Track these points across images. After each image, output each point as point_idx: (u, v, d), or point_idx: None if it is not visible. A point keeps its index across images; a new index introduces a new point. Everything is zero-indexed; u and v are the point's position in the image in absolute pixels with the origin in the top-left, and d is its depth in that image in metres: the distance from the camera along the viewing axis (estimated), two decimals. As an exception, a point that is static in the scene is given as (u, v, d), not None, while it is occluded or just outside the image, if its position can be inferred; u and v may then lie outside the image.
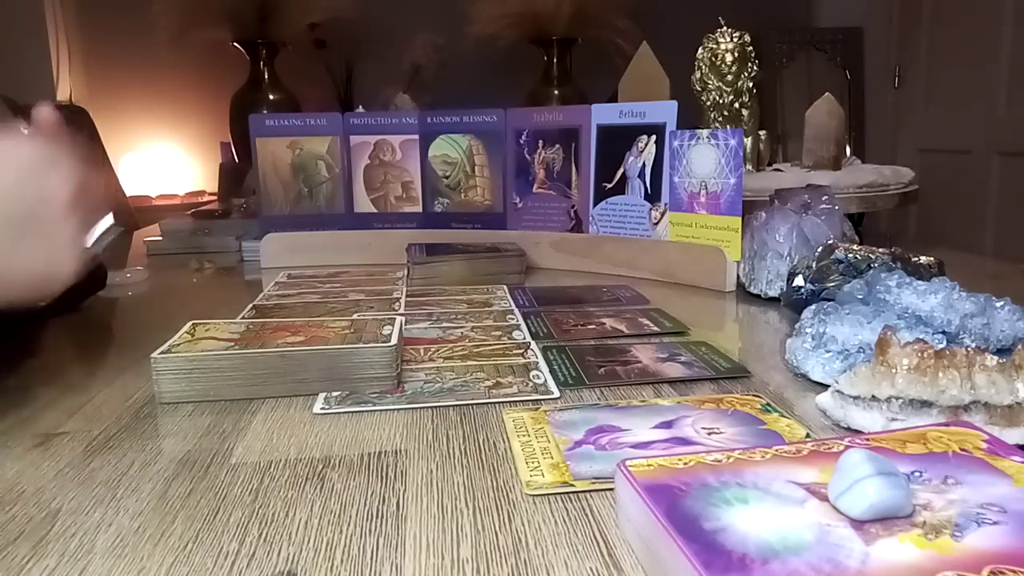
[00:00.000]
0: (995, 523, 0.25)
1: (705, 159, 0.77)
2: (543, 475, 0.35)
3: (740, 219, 0.75)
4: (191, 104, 2.77)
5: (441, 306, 0.69)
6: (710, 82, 0.98)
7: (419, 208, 0.97)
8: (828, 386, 0.43)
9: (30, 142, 0.46)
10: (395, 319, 0.53)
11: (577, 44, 2.36)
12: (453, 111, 0.95)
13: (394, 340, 0.49)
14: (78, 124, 1.75)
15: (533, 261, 0.89)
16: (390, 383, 0.48)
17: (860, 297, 0.51)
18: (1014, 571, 0.23)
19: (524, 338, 0.58)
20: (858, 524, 0.25)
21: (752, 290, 0.73)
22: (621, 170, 0.85)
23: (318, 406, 0.45)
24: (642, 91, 1.03)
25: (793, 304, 0.62)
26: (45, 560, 0.30)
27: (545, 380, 0.49)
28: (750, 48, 0.97)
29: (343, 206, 0.97)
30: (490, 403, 0.45)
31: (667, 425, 0.41)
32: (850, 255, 0.61)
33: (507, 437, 0.40)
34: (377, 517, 0.33)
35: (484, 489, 0.35)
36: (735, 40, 0.96)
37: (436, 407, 0.45)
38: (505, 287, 0.77)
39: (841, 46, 2.78)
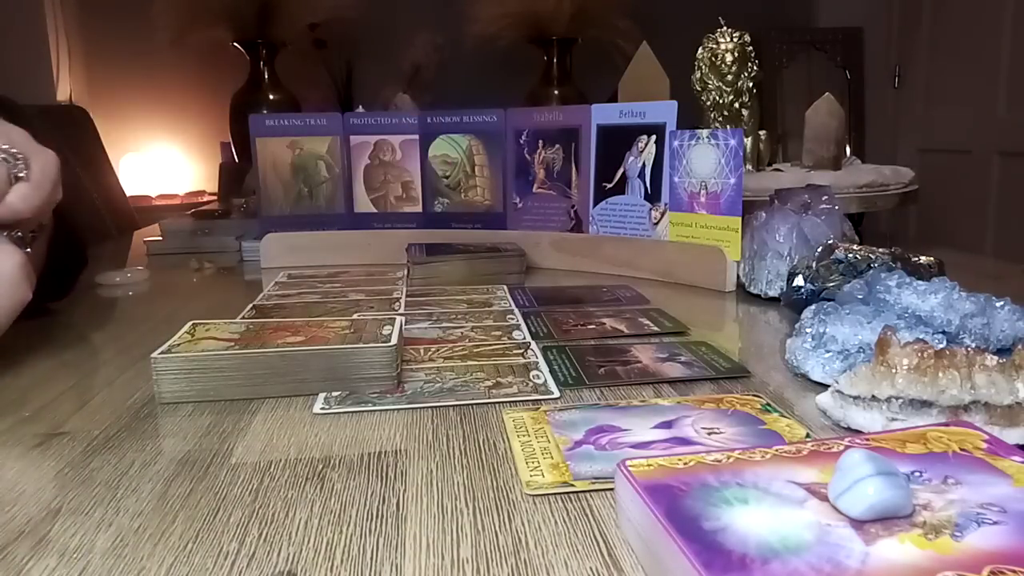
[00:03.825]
0: (995, 523, 0.25)
1: (705, 159, 0.77)
2: (543, 475, 0.35)
3: (740, 219, 0.75)
4: (191, 104, 2.77)
5: (441, 306, 0.69)
6: (710, 82, 0.98)
7: (419, 208, 0.97)
8: (828, 386, 0.43)
9: None
10: (395, 319, 0.53)
11: (577, 44, 2.36)
12: (453, 111, 0.95)
13: (394, 340, 0.49)
14: (78, 125, 1.75)
15: (533, 261, 0.89)
16: (390, 383, 0.48)
17: (860, 297, 0.51)
18: (1014, 571, 0.23)
19: (524, 338, 0.58)
20: (858, 524, 0.25)
21: (752, 290, 0.73)
22: (621, 170, 0.85)
23: (318, 406, 0.45)
24: (642, 91, 1.03)
25: (793, 304, 0.62)
26: (45, 560, 0.30)
27: (545, 380, 0.49)
28: (750, 48, 0.97)
29: (343, 206, 0.97)
30: (490, 403, 0.45)
31: (667, 425, 0.41)
32: (850, 255, 0.61)
33: (507, 437, 0.40)
34: (377, 517, 0.33)
35: (484, 489, 0.35)
36: (735, 40, 0.96)
37: (436, 407, 0.45)
38: (505, 287, 0.77)
39: (841, 46, 2.78)
